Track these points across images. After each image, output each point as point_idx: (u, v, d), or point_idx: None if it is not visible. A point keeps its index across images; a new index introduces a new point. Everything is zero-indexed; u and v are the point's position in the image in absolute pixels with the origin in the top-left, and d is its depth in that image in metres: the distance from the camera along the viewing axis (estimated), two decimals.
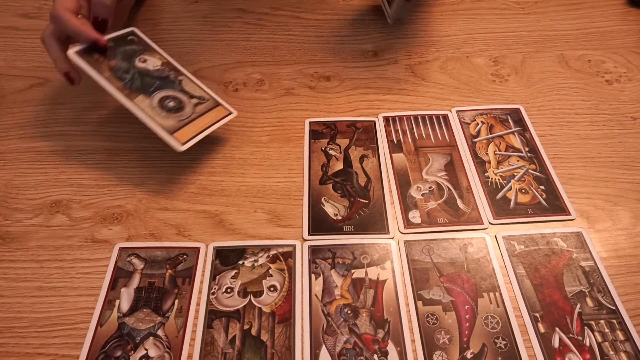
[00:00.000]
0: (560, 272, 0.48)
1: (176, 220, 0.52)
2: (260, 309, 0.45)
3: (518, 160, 0.57)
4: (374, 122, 0.62)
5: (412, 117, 0.62)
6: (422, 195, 0.54)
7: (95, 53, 0.55)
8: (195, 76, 0.60)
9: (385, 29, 0.75)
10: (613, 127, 0.61)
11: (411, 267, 0.48)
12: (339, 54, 0.71)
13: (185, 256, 0.49)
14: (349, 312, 0.45)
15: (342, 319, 0.45)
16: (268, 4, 0.80)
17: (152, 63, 0.58)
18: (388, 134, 0.60)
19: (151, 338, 0.44)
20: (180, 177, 0.56)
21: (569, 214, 0.52)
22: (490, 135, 0.60)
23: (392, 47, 0.72)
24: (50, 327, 0.45)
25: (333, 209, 0.53)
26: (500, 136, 0.60)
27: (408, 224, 0.51)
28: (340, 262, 0.48)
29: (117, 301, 0.46)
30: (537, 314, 0.45)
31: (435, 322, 0.44)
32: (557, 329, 0.44)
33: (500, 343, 0.43)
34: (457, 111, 0.63)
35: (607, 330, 0.44)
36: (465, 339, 0.43)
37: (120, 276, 0.48)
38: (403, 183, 0.55)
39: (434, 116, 0.62)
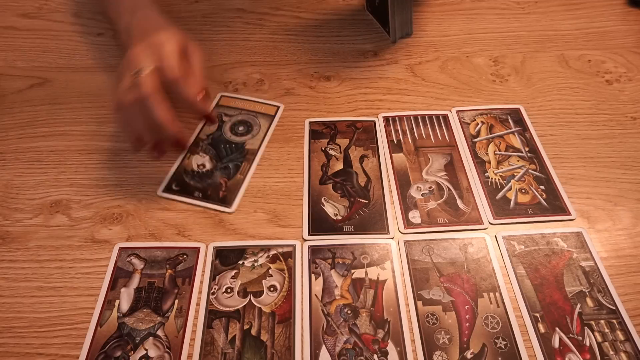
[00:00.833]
0: (560, 272, 0.48)
1: (176, 220, 0.52)
2: (260, 309, 0.45)
3: (518, 160, 0.57)
4: (374, 122, 0.62)
5: (412, 117, 0.62)
6: (422, 195, 0.54)
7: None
8: None
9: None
10: (613, 127, 0.61)
11: (411, 267, 0.48)
12: (339, 54, 0.71)
13: (185, 256, 0.49)
14: (349, 312, 0.45)
15: (342, 319, 0.45)
16: (268, 4, 0.80)
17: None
18: (388, 134, 0.60)
19: (151, 338, 0.44)
20: None
21: (569, 214, 0.52)
22: (490, 135, 0.60)
23: (392, 47, 0.72)
24: (50, 327, 0.45)
25: (333, 209, 0.53)
26: (500, 136, 0.60)
27: (408, 224, 0.51)
28: (340, 262, 0.48)
29: (117, 301, 0.46)
30: (537, 314, 0.45)
31: (435, 322, 0.44)
32: (557, 329, 0.44)
33: (500, 343, 0.43)
34: (457, 111, 0.63)
35: (607, 330, 0.44)
36: (465, 339, 0.43)
37: (120, 276, 0.48)
38: (403, 183, 0.55)
39: (434, 116, 0.62)
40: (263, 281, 0.47)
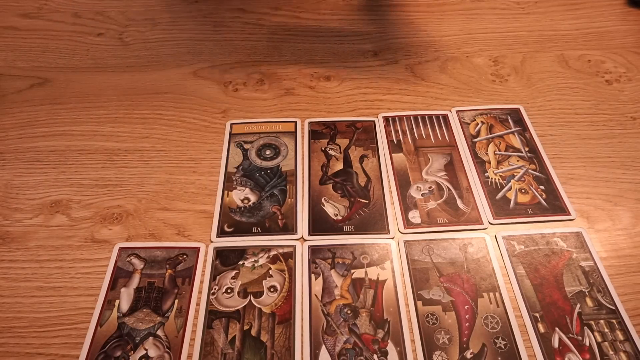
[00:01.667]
0: (560, 272, 0.48)
1: (176, 220, 0.52)
2: (260, 309, 0.45)
3: (518, 160, 0.57)
4: (374, 122, 0.62)
5: (412, 117, 0.62)
6: (422, 195, 0.54)
7: None
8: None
9: (385, 29, 0.75)
10: (613, 127, 0.61)
11: (411, 267, 0.48)
12: (339, 54, 0.71)
13: (185, 256, 0.49)
14: (349, 312, 0.45)
15: (342, 319, 0.45)
16: (268, 4, 0.80)
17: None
18: (388, 134, 0.60)
19: (151, 338, 0.44)
20: (180, 177, 0.56)
21: (569, 214, 0.52)
22: (490, 135, 0.60)
23: (392, 47, 0.72)
24: (50, 327, 0.45)
25: (333, 209, 0.53)
26: (500, 136, 0.60)
27: (408, 224, 0.51)
28: (340, 262, 0.48)
29: (117, 301, 0.46)
30: (537, 314, 0.45)
31: (435, 322, 0.44)
32: (556, 329, 0.44)
33: (500, 343, 0.43)
34: (457, 111, 0.63)
35: (606, 330, 0.44)
36: (465, 339, 0.43)
37: (120, 276, 0.48)
38: (403, 183, 0.55)
39: (433, 116, 0.62)
40: (263, 281, 0.47)
